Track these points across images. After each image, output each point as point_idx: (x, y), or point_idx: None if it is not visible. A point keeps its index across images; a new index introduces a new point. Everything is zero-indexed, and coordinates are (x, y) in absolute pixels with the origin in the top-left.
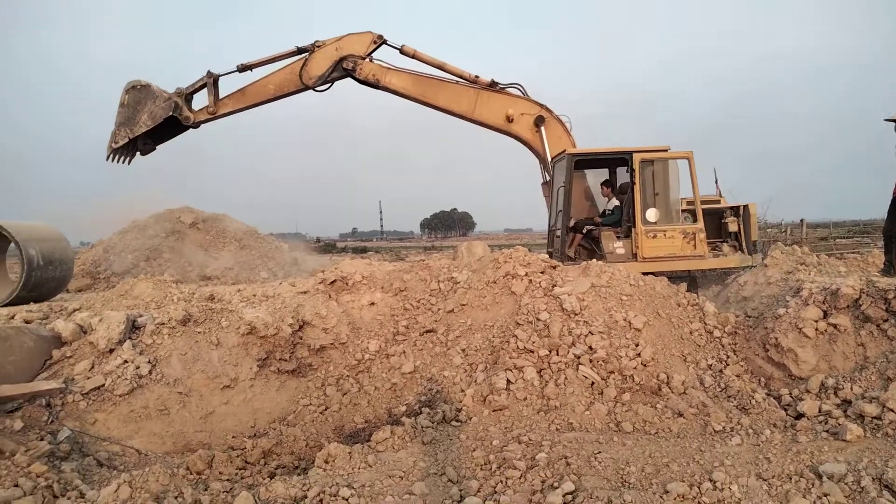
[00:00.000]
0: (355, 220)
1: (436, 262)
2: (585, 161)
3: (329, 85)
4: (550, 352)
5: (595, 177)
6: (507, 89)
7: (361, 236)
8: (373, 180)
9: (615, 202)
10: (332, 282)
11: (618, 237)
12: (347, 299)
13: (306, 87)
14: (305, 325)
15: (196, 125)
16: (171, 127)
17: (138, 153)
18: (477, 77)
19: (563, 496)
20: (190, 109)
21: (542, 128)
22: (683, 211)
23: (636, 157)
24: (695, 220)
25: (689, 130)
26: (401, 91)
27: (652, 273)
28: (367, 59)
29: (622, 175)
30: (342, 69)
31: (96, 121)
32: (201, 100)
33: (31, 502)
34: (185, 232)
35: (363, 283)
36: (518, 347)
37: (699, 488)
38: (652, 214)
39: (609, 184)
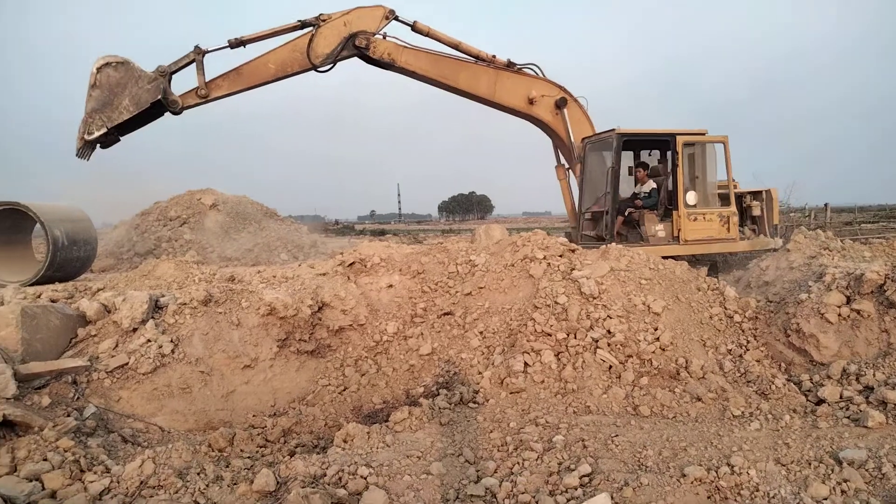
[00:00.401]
0: (373, 203)
1: (454, 245)
2: (630, 142)
3: (333, 65)
4: (568, 335)
5: (605, 161)
6: (524, 70)
7: (379, 219)
8: (391, 163)
9: (652, 185)
10: (351, 264)
11: (659, 220)
12: (366, 281)
13: (313, 67)
14: (324, 307)
15: (180, 111)
16: (147, 113)
17: (98, 146)
18: (494, 57)
19: (580, 478)
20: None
21: (565, 110)
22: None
23: (679, 140)
24: (727, 204)
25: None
26: (418, 72)
27: (692, 255)
28: (381, 37)
29: (645, 158)
30: (353, 47)
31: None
32: (183, 81)
33: (59, 476)
34: (206, 213)
35: (381, 265)
36: (536, 331)
37: (717, 472)
38: (692, 197)
39: (644, 166)
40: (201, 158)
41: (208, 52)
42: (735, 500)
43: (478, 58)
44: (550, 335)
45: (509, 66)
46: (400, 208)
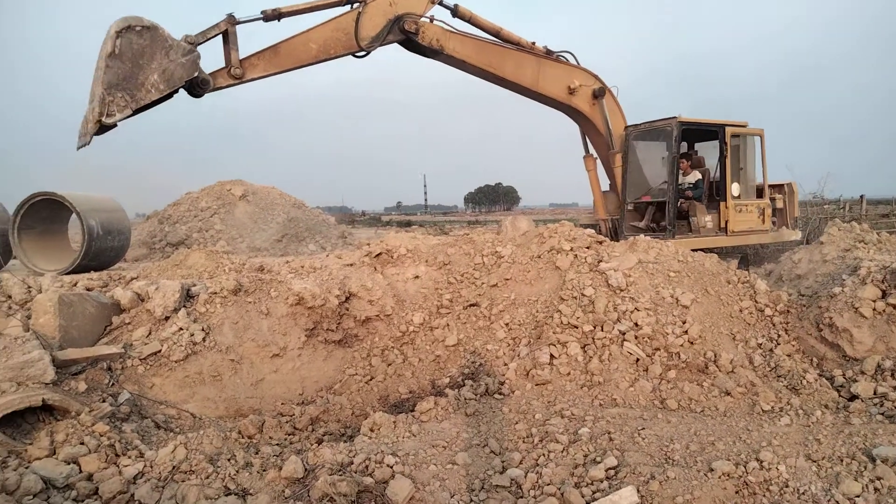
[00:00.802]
0: (400, 195)
1: (480, 236)
2: (686, 131)
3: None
4: (595, 327)
5: (647, 150)
6: (562, 58)
7: (406, 210)
8: (418, 154)
9: (697, 175)
10: (378, 255)
11: (708, 211)
12: (392, 272)
13: (359, 50)
14: (352, 297)
15: (207, 92)
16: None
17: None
18: (534, 44)
19: (606, 471)
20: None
21: (603, 100)
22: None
23: (728, 131)
24: (760, 196)
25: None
26: (465, 60)
27: (734, 246)
28: (428, 20)
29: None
30: (400, 30)
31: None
32: (209, 55)
33: (95, 459)
34: (236, 204)
35: (408, 256)
36: (562, 322)
37: (745, 467)
38: (735, 189)
39: (688, 156)
40: (228, 150)
41: (241, 22)
42: (764, 495)
43: (518, 45)
44: (577, 327)
45: (548, 53)
46: (426, 199)
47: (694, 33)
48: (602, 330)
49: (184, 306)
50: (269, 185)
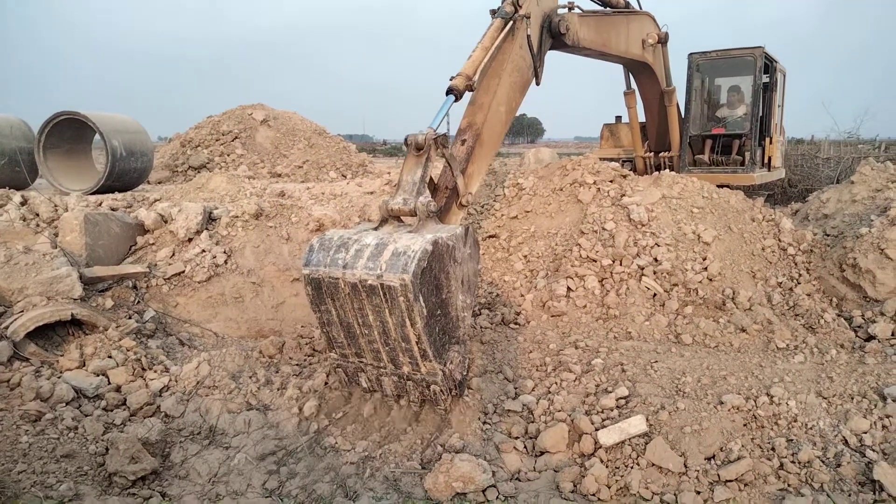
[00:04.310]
0: (422, 123)
1: (501, 168)
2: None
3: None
4: (614, 262)
5: (715, 81)
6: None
7: None
8: (439, 83)
9: (745, 109)
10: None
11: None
12: None
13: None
14: None
15: None
16: None
17: None
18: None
19: (617, 400)
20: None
21: (666, 45)
22: None
23: (778, 67)
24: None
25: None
26: (589, 47)
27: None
28: (569, 9)
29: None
30: (550, 34)
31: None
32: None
33: (123, 372)
34: (257, 129)
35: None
36: (581, 256)
37: (755, 402)
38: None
39: (738, 90)
40: (250, 74)
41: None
42: (772, 429)
43: (609, 5)
44: (596, 261)
45: (627, 6)
46: (448, 129)
47: None
48: (621, 264)
49: (206, 229)
50: (289, 111)
